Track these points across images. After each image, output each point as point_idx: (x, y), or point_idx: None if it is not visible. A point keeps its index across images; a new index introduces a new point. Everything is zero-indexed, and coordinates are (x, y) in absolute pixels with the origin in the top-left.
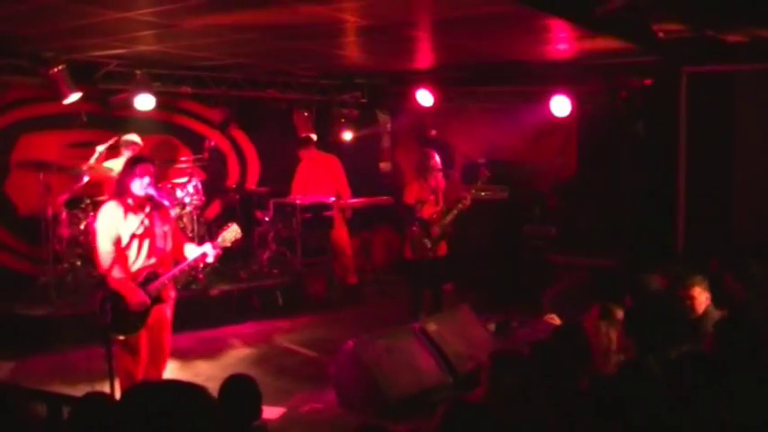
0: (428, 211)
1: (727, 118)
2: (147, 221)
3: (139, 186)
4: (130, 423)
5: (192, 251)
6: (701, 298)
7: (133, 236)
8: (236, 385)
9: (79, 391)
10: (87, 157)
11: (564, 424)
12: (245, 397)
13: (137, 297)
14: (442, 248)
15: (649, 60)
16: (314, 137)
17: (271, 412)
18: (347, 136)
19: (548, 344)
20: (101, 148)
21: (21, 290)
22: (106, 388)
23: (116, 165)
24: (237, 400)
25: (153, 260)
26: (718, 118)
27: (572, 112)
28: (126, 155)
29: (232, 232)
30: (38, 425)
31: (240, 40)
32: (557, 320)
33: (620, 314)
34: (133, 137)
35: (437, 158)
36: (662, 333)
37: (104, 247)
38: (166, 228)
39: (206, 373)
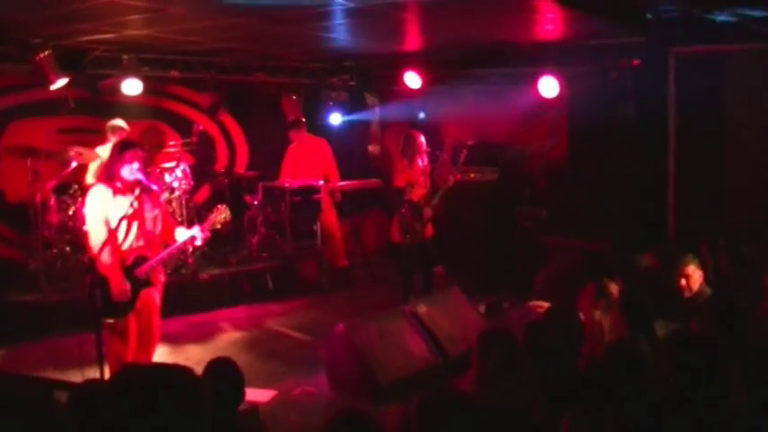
0: (417, 194)
1: (716, 99)
2: (136, 204)
3: (128, 172)
4: (119, 405)
5: (181, 235)
6: (696, 276)
7: (122, 218)
8: (219, 369)
9: (71, 376)
10: (77, 143)
11: (554, 406)
12: (227, 380)
13: (120, 287)
14: (429, 230)
15: (638, 41)
16: (303, 120)
17: (262, 396)
18: (335, 119)
19: (540, 325)
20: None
21: (10, 277)
22: (97, 373)
23: (103, 151)
24: (220, 383)
25: (141, 243)
26: (707, 99)
27: (561, 93)
28: (113, 140)
29: (222, 213)
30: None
31: (228, 24)
32: (543, 306)
33: (615, 292)
34: (119, 122)
35: (422, 140)
36: (654, 312)
37: (94, 230)
38: (156, 212)
39: (196, 358)
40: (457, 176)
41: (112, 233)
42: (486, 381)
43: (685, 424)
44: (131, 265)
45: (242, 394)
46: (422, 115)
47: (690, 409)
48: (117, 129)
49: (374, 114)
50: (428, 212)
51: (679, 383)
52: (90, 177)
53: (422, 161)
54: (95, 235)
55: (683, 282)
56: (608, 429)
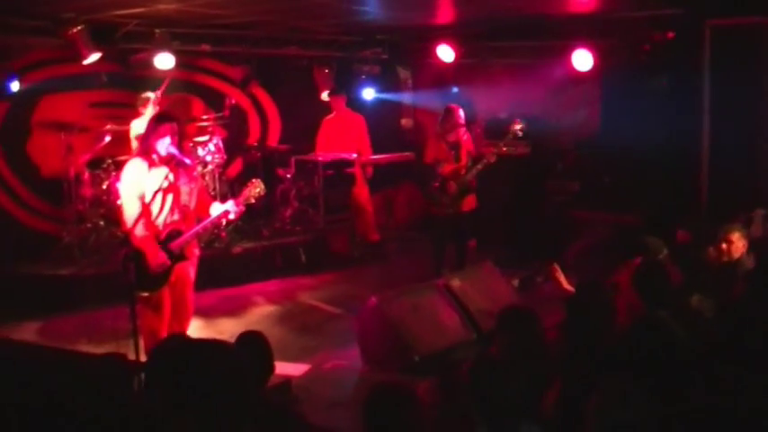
0: (448, 168)
1: (752, 72)
2: (171, 177)
3: (162, 146)
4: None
5: (216, 209)
6: (739, 244)
7: (157, 191)
8: (248, 341)
9: (105, 349)
10: (109, 117)
11: (582, 382)
12: (257, 353)
13: (157, 259)
14: (469, 203)
15: (672, 13)
16: (328, 98)
17: (295, 369)
18: (368, 95)
19: (571, 301)
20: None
21: (45, 250)
22: (131, 346)
23: (138, 125)
24: (250, 356)
25: (176, 216)
26: (743, 72)
27: (594, 66)
28: (145, 113)
29: (257, 188)
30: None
31: None
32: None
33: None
34: (150, 94)
35: (461, 113)
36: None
37: (129, 203)
38: (192, 185)
39: (230, 331)
40: (491, 155)
41: (146, 207)
42: (505, 360)
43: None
44: (165, 239)
45: (272, 368)
46: (455, 89)
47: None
48: (146, 100)
49: (407, 88)
50: (453, 186)
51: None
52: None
53: (457, 135)
54: (130, 209)
55: (724, 246)
56: (635, 406)
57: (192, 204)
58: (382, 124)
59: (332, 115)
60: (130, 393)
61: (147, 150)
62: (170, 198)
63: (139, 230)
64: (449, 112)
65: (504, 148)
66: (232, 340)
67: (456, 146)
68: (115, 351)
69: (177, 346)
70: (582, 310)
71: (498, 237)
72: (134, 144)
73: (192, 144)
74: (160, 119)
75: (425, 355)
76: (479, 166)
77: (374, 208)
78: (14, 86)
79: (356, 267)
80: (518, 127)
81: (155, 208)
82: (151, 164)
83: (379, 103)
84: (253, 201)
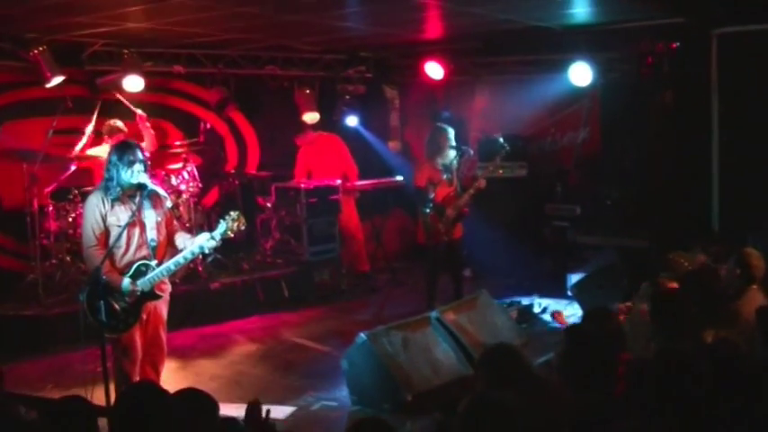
0: (441, 193)
1: (762, 83)
2: (137, 211)
3: (129, 175)
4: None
5: (187, 242)
6: (760, 264)
7: (122, 227)
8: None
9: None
10: (74, 145)
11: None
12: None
13: (122, 286)
14: (458, 230)
15: (676, 22)
16: (309, 119)
17: (280, 411)
18: (352, 121)
19: (578, 329)
20: (89, 130)
21: (7, 289)
22: (101, 391)
23: (102, 152)
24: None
25: (144, 252)
26: (752, 83)
27: (594, 81)
28: (110, 143)
29: (235, 222)
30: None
31: (237, 14)
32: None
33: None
34: (117, 122)
35: (452, 134)
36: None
37: (89, 243)
38: (159, 218)
39: (209, 373)
40: (480, 179)
41: (107, 245)
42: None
43: None
44: (133, 275)
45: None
46: (446, 114)
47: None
48: (115, 130)
49: (394, 108)
50: (450, 213)
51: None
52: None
53: (448, 158)
54: (89, 248)
55: (746, 271)
56: None
57: (161, 238)
58: (369, 147)
59: (303, 147)
60: None
61: (109, 181)
62: (136, 234)
63: (104, 268)
64: (437, 132)
65: (500, 171)
66: (211, 383)
67: (449, 169)
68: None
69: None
70: (588, 339)
71: (495, 264)
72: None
73: (164, 172)
74: (123, 146)
75: (418, 394)
76: (471, 191)
77: (364, 236)
78: None
79: (344, 301)
80: (502, 150)
81: (120, 246)
82: (115, 198)
83: (364, 124)
84: (231, 235)
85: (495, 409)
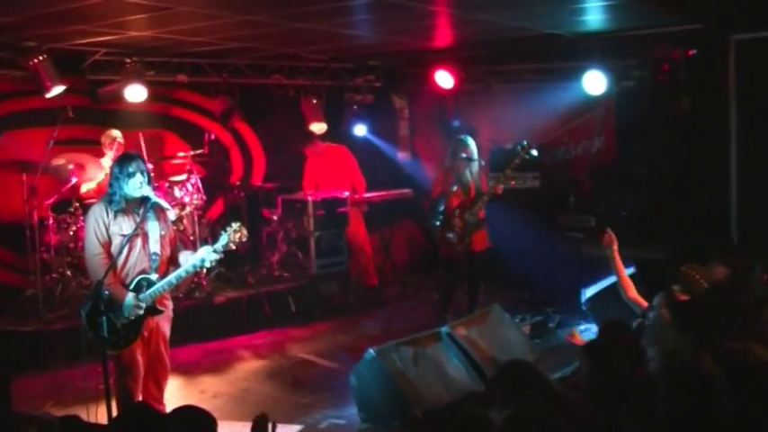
0: (454, 202)
1: None
2: (140, 222)
3: (132, 187)
4: None
5: (189, 257)
6: None
7: (126, 237)
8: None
9: (75, 412)
10: (75, 156)
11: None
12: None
13: (126, 301)
14: (481, 242)
15: (693, 28)
16: (317, 129)
17: (287, 430)
18: (360, 130)
19: (597, 346)
20: (99, 176)
21: (7, 304)
22: (103, 408)
23: (105, 164)
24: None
25: (146, 265)
26: None
27: (608, 89)
28: (109, 153)
29: (236, 233)
30: None
31: (242, 21)
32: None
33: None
34: (115, 133)
35: (473, 147)
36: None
37: (93, 252)
38: (163, 231)
39: (213, 390)
40: (497, 185)
41: (111, 256)
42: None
43: None
44: (134, 289)
45: None
46: (456, 123)
47: None
48: (112, 140)
49: (403, 117)
50: (458, 222)
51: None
52: (86, 188)
53: (466, 168)
54: (93, 260)
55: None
56: None
57: (164, 251)
58: (377, 158)
59: (311, 158)
60: None
61: (113, 194)
62: (138, 246)
63: (107, 280)
64: (459, 144)
65: (513, 182)
66: (215, 400)
67: (465, 178)
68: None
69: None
70: (605, 354)
71: (507, 278)
72: (87, 183)
73: (167, 184)
74: (125, 158)
75: (429, 411)
76: (485, 198)
77: (372, 249)
78: None
79: (352, 316)
80: (522, 150)
81: (121, 258)
82: (118, 210)
83: (373, 134)
84: (233, 247)
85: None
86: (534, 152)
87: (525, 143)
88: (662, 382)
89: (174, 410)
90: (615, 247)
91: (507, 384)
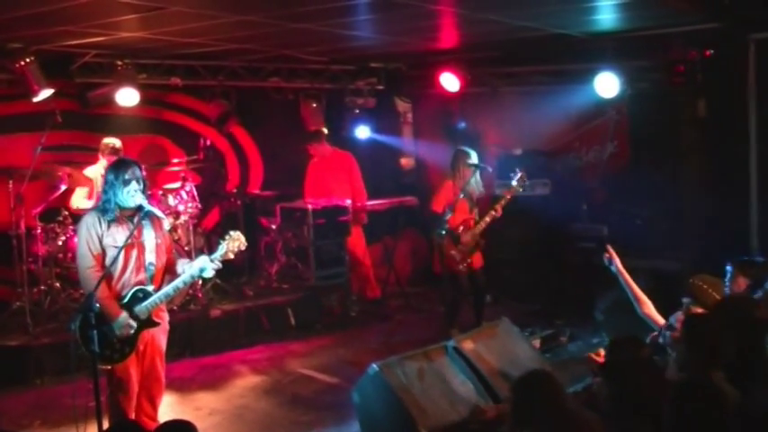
0: (459, 218)
1: None
2: (135, 233)
3: (127, 195)
4: None
5: (186, 267)
6: None
7: (119, 248)
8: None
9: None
10: (65, 163)
11: None
12: None
13: (118, 319)
14: (477, 260)
15: (710, 27)
16: (325, 131)
17: None
18: (363, 132)
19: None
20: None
21: None
22: (94, 427)
23: (94, 172)
24: None
25: (141, 276)
26: None
27: (621, 91)
28: (104, 161)
29: (235, 242)
30: None
31: (238, 22)
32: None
33: None
34: (113, 141)
35: (475, 157)
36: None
37: (85, 264)
38: (158, 240)
39: (209, 407)
40: (496, 208)
41: (104, 267)
42: None
43: None
44: (129, 301)
45: None
46: (462, 124)
47: None
48: (110, 149)
49: (407, 122)
50: (466, 240)
51: None
52: (77, 201)
53: (467, 181)
54: (85, 271)
55: None
56: None
57: (160, 262)
58: (379, 164)
59: (315, 159)
60: None
61: (106, 203)
62: (133, 257)
63: (99, 292)
64: (460, 155)
65: (521, 189)
66: (211, 418)
67: (469, 193)
68: None
69: None
70: (620, 373)
71: (516, 290)
72: (77, 193)
73: (161, 192)
74: (119, 164)
75: (434, 429)
76: (487, 219)
77: (372, 260)
78: None
79: (354, 329)
80: (518, 180)
81: (116, 269)
82: (111, 219)
83: (375, 140)
84: (231, 256)
85: None
86: (519, 185)
87: (519, 173)
88: (671, 396)
89: (160, 426)
90: (618, 263)
91: (523, 399)
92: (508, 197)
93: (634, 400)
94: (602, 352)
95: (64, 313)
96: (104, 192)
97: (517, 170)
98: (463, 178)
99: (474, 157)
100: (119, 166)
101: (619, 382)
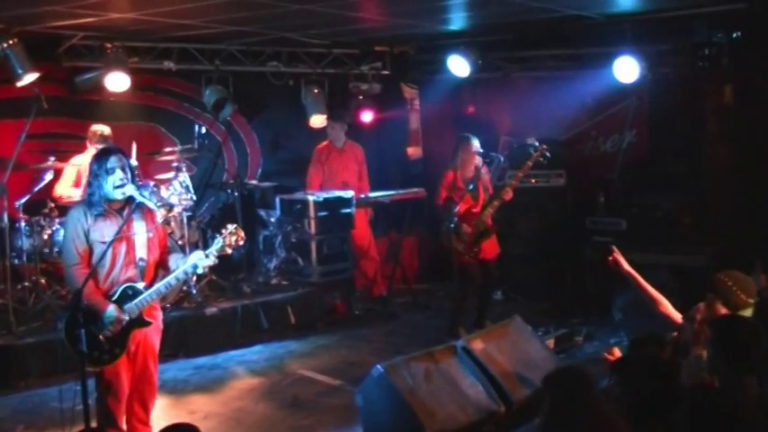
0: (462, 208)
1: None
2: (124, 225)
3: (112, 185)
4: None
5: (179, 262)
6: None
7: (107, 244)
8: None
9: None
10: (50, 152)
11: None
12: None
13: (108, 313)
14: (489, 250)
15: (736, 8)
16: (317, 122)
17: None
18: (366, 117)
19: (626, 360)
20: (71, 172)
21: None
22: None
23: (82, 161)
24: None
25: (132, 273)
26: None
27: (641, 76)
28: (92, 150)
29: (232, 236)
30: None
31: (235, 2)
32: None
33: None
34: (103, 128)
35: (477, 143)
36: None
37: (71, 262)
38: (150, 233)
39: (203, 410)
40: (506, 190)
41: (90, 263)
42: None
43: None
44: (119, 299)
45: None
46: (471, 109)
47: None
48: (99, 136)
49: (413, 109)
50: (467, 229)
51: None
52: (61, 188)
53: (474, 170)
54: (70, 267)
55: None
56: None
57: (152, 257)
58: (385, 154)
59: (326, 143)
60: None
61: (92, 194)
62: (122, 252)
63: (86, 289)
64: (462, 142)
65: (533, 180)
66: (206, 422)
67: (473, 181)
68: None
69: None
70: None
71: (528, 287)
72: (62, 182)
73: (153, 183)
74: (105, 152)
75: None
76: (496, 203)
77: (379, 255)
78: None
79: (357, 328)
80: (536, 152)
81: (104, 265)
82: (99, 213)
83: (380, 128)
84: (229, 251)
85: None
86: (548, 154)
87: (538, 144)
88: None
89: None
90: (625, 265)
91: (554, 397)
92: (521, 175)
93: (647, 401)
94: (616, 351)
95: (49, 311)
96: (89, 184)
97: (534, 140)
98: (465, 167)
99: (476, 144)
100: (101, 155)
101: (632, 381)
